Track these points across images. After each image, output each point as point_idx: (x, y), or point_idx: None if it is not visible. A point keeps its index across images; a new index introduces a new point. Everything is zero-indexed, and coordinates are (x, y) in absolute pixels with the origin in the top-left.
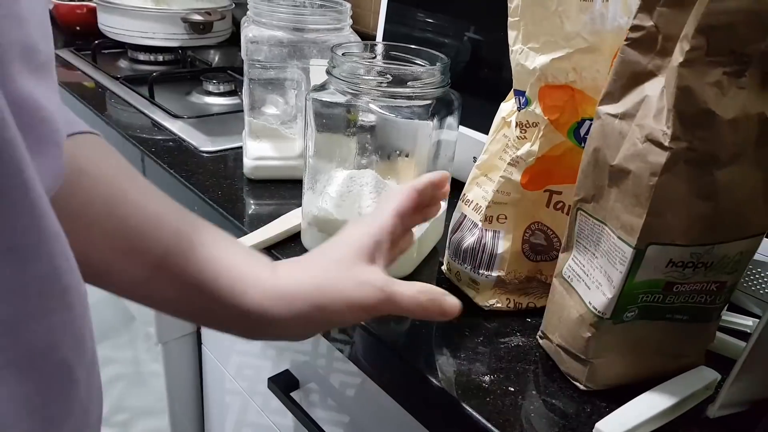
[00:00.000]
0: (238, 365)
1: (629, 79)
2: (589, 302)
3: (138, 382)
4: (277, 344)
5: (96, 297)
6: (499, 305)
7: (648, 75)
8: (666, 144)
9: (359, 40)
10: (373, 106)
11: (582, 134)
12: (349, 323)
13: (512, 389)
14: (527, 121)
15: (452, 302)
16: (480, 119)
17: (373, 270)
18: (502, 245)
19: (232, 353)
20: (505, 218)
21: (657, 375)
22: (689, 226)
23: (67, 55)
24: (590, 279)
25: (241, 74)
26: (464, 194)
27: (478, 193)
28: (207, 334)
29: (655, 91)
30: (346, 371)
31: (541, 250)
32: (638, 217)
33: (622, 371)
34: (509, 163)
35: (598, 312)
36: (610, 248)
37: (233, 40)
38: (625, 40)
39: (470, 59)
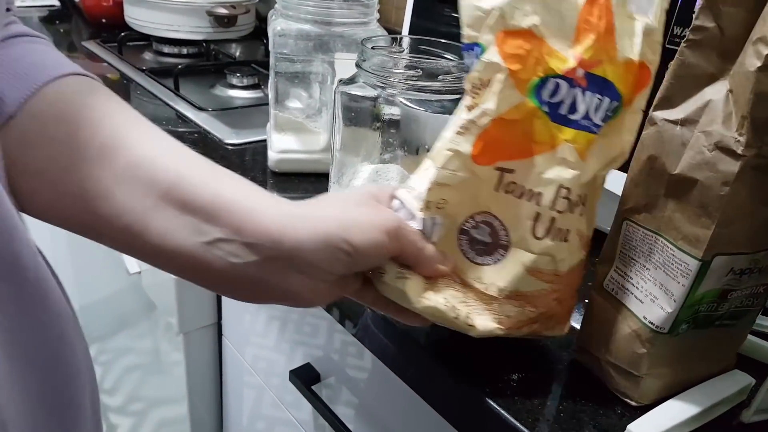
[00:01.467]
0: (258, 357)
1: (688, 82)
2: (644, 317)
3: (155, 372)
4: (298, 338)
5: (117, 287)
6: (431, 304)
7: (709, 78)
8: (739, 152)
9: (386, 33)
10: (402, 100)
11: (544, 97)
12: (373, 258)
13: (541, 389)
14: (480, 79)
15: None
16: None
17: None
18: (437, 236)
19: (253, 345)
20: (445, 203)
21: (699, 381)
22: (753, 234)
23: (93, 46)
24: (642, 292)
25: (265, 68)
26: (407, 182)
27: (424, 177)
28: (228, 325)
29: (719, 96)
30: (369, 366)
31: (483, 250)
32: (705, 228)
33: (670, 381)
34: (457, 132)
35: (656, 327)
36: (668, 260)
37: (255, 33)
38: (684, 42)
39: None
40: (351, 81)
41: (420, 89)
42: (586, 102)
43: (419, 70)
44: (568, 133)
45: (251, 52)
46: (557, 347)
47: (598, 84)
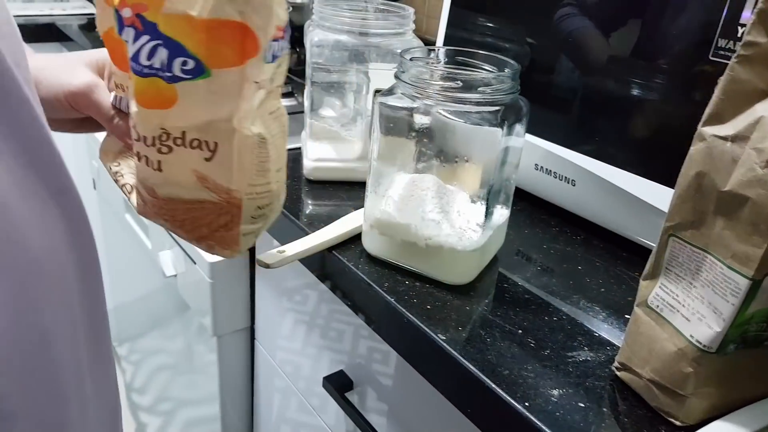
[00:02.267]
0: (289, 362)
1: (739, 98)
2: (691, 335)
3: (186, 373)
4: (330, 344)
5: (150, 289)
6: (108, 164)
7: (761, 94)
8: None
9: (421, 44)
10: (440, 111)
11: (118, 29)
12: (83, 107)
13: (581, 404)
14: None
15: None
16: (540, 125)
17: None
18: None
19: (285, 350)
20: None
21: (748, 402)
22: None
23: None
24: (688, 310)
25: (298, 76)
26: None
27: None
28: (261, 329)
29: None
30: (402, 375)
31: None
32: (756, 247)
33: (717, 402)
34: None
35: (703, 346)
36: (716, 278)
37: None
38: (735, 57)
39: (530, 64)
40: (389, 92)
41: (459, 101)
42: (146, 47)
43: (458, 81)
44: (132, 75)
45: None
46: (598, 364)
47: (153, 32)
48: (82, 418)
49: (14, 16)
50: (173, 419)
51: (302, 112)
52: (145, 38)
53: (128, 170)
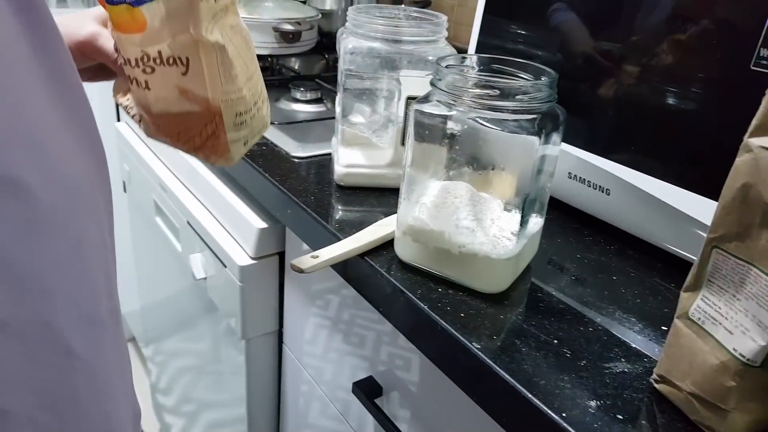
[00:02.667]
0: (317, 367)
1: None
2: (734, 348)
3: (211, 375)
4: (359, 351)
5: (178, 291)
6: (121, 101)
7: None
8: None
9: (455, 51)
10: (477, 119)
11: None
12: (92, 54)
13: (619, 416)
14: None
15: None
16: (574, 133)
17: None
18: None
19: (313, 355)
20: None
21: None
22: None
23: None
24: (732, 323)
25: (328, 82)
26: None
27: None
28: (289, 333)
29: None
30: (435, 383)
31: None
32: None
33: (761, 417)
34: None
35: (747, 359)
36: (761, 291)
37: (315, 47)
38: None
39: (562, 71)
40: (425, 99)
41: (496, 108)
42: None
43: (496, 89)
44: (107, 5)
45: (309, 65)
46: (635, 376)
47: None
48: (113, 319)
49: None
50: (197, 421)
51: (331, 118)
52: None
53: (134, 102)
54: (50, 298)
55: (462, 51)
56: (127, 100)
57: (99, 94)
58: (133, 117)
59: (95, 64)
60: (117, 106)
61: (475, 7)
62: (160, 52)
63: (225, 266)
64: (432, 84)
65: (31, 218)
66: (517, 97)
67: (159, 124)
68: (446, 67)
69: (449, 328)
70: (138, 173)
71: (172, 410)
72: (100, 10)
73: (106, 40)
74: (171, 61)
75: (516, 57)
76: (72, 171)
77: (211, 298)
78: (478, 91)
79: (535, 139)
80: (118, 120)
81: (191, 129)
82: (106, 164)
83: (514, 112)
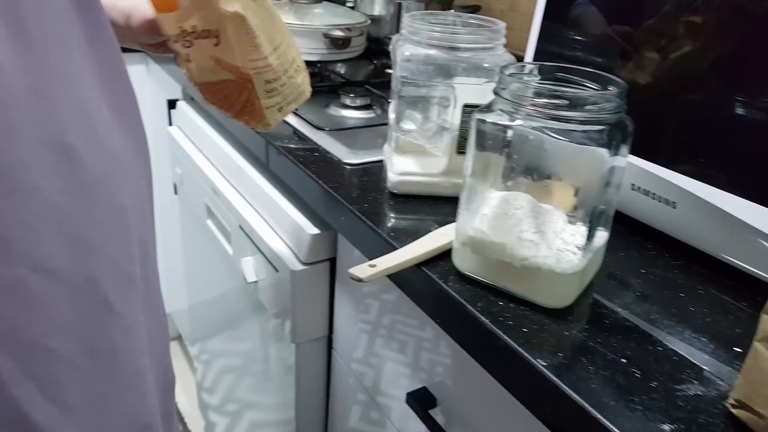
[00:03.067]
0: (367, 374)
1: None
2: None
3: (256, 376)
4: (413, 360)
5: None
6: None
7: None
8: None
9: (513, 59)
10: (544, 130)
11: None
12: (141, 36)
13: None
14: None
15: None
16: (637, 142)
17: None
18: None
19: (363, 362)
20: None
21: None
22: None
23: None
24: None
25: (378, 88)
26: None
27: None
28: (339, 339)
29: None
30: (491, 397)
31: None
32: None
33: None
34: None
35: None
36: None
37: (362, 53)
38: None
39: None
40: (488, 108)
41: (564, 119)
42: None
43: (564, 99)
44: None
45: (356, 71)
46: (710, 400)
47: None
48: (145, 285)
49: None
50: (240, 420)
51: (380, 124)
52: None
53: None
54: (95, 256)
55: (516, 57)
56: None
57: (150, 98)
58: (191, 83)
59: (165, 39)
60: (169, 110)
61: (526, 11)
62: (194, 27)
63: (277, 271)
64: (495, 93)
65: (82, 182)
66: (586, 107)
67: (205, 92)
68: (510, 75)
69: (512, 343)
70: (190, 177)
71: (217, 409)
72: None
73: None
74: (204, 34)
75: (575, 64)
76: (117, 146)
77: (262, 301)
78: (544, 100)
79: (604, 150)
80: (170, 124)
81: (230, 96)
82: (147, 147)
83: (583, 122)
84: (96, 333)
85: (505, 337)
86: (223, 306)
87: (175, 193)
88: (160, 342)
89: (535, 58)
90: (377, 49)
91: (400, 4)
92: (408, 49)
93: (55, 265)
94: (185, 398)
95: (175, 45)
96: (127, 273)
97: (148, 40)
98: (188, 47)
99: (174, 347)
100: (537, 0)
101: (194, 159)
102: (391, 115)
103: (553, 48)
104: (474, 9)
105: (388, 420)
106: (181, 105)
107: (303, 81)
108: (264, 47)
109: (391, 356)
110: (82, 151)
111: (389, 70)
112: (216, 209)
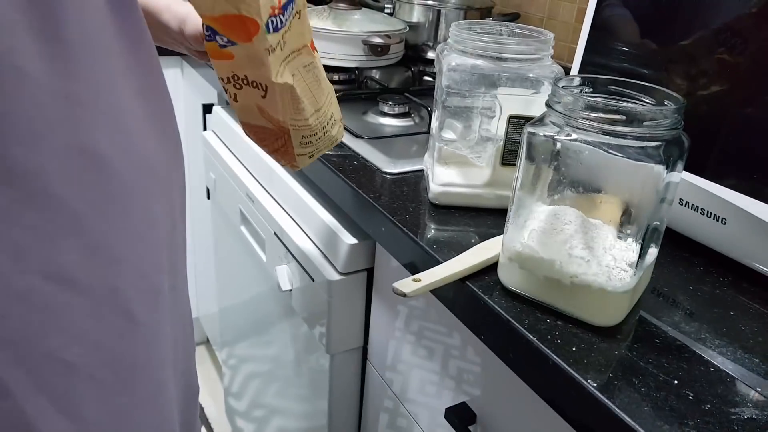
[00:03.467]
0: (403, 387)
1: None
2: None
3: (286, 383)
4: (452, 375)
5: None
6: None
7: None
8: None
9: (561, 70)
10: (602, 145)
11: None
12: (194, 43)
13: None
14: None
15: None
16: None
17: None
18: None
19: (398, 374)
20: None
21: None
22: None
23: None
24: None
25: (417, 96)
26: None
27: None
28: (374, 350)
29: None
30: (535, 416)
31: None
32: None
33: None
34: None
35: None
36: None
37: (400, 60)
38: None
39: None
40: (540, 121)
41: (618, 134)
42: (204, 26)
43: (621, 114)
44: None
45: (393, 77)
46: (765, 424)
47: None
48: (173, 295)
49: None
50: (267, 426)
51: (419, 133)
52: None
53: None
54: (119, 266)
55: (565, 69)
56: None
57: (186, 102)
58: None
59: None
60: (204, 115)
61: (565, 20)
62: (246, 76)
63: (313, 280)
64: (548, 105)
65: (109, 191)
66: (644, 123)
67: (245, 127)
68: (563, 88)
69: (561, 363)
70: (224, 182)
71: (244, 414)
72: None
73: None
74: (254, 84)
75: (622, 75)
76: (149, 153)
77: (296, 309)
78: (600, 115)
79: (661, 168)
80: (205, 128)
81: (267, 138)
82: (182, 154)
83: (639, 138)
84: (117, 345)
85: (554, 357)
86: (254, 311)
87: (208, 197)
88: (185, 352)
89: (582, 69)
90: (414, 55)
91: (438, 11)
92: (454, 59)
93: (72, 274)
94: (212, 403)
95: (226, 85)
96: (153, 283)
97: (197, 47)
98: (237, 89)
99: (201, 351)
100: (581, 9)
101: (229, 164)
102: (434, 125)
103: (600, 59)
104: (513, 17)
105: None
106: (217, 110)
107: (337, 132)
108: (307, 111)
109: (428, 369)
110: (112, 159)
111: (427, 78)
112: (250, 215)
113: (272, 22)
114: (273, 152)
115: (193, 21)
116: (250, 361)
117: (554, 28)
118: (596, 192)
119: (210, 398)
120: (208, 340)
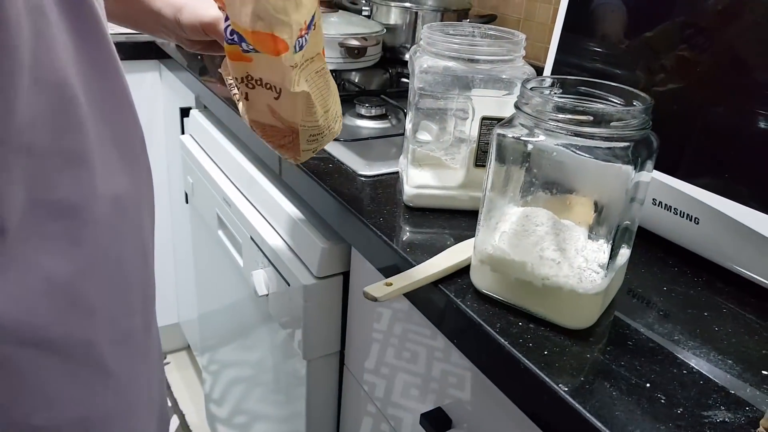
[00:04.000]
0: (380, 392)
1: None
2: None
3: (266, 389)
4: (427, 380)
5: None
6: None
7: None
8: None
9: (533, 71)
10: (569, 146)
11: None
12: (196, 33)
13: None
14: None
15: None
16: (660, 157)
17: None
18: None
19: (376, 379)
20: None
21: None
22: None
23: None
24: None
25: (393, 98)
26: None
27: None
28: (351, 356)
29: None
30: (509, 420)
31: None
32: None
33: None
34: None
35: None
36: None
37: (377, 62)
38: None
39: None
40: (509, 123)
41: (586, 135)
42: (228, 28)
43: (589, 115)
44: (225, 41)
45: (371, 80)
46: (738, 427)
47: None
48: (145, 332)
49: (116, 33)
50: None
51: (395, 135)
52: (227, 23)
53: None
54: (92, 317)
55: (534, 68)
56: (232, 79)
57: (163, 106)
58: (233, 96)
59: (210, 39)
60: (182, 118)
61: (542, 21)
62: (261, 78)
63: (289, 284)
64: (516, 107)
65: (77, 238)
66: (611, 123)
67: (253, 125)
68: (531, 89)
69: (533, 367)
70: (201, 186)
71: (225, 421)
72: None
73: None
74: (268, 86)
75: (594, 75)
76: (117, 188)
77: (272, 314)
78: (568, 116)
79: (630, 168)
80: (183, 132)
81: (275, 135)
82: (151, 178)
83: (607, 139)
84: (89, 402)
85: (526, 361)
86: (233, 317)
87: (186, 201)
88: (159, 387)
89: (554, 70)
90: (392, 57)
91: (416, 13)
92: (426, 61)
93: (50, 334)
94: (193, 410)
95: (239, 84)
96: (124, 329)
97: (193, 37)
98: (249, 89)
99: (182, 357)
100: (556, 10)
101: (206, 168)
102: (408, 127)
103: (572, 58)
104: (490, 19)
105: None
106: (194, 113)
107: (339, 127)
108: (318, 113)
109: (405, 373)
110: (77, 204)
111: (405, 80)
112: (227, 220)
113: (299, 42)
114: (278, 147)
115: (190, 10)
116: (231, 366)
117: (531, 30)
118: (568, 193)
119: (191, 404)
120: (189, 345)
